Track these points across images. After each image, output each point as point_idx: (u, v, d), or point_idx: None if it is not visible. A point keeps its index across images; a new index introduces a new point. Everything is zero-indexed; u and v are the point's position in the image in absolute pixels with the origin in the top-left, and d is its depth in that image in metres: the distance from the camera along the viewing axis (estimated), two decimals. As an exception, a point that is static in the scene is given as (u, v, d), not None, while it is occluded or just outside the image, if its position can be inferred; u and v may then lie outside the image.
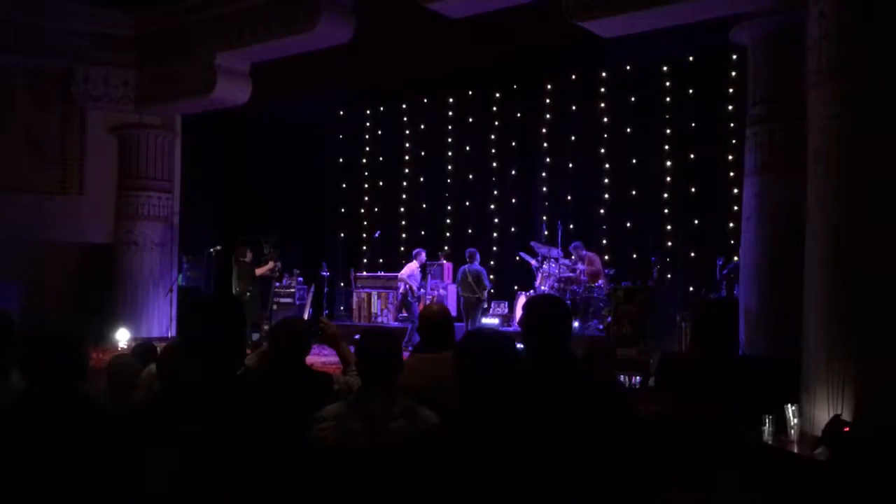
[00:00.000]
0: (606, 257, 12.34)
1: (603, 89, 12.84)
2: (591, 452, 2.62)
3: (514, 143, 13.88)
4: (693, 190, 11.92)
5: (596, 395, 2.85)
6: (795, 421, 4.65)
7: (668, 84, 12.18)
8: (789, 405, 4.68)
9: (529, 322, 2.92)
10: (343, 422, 3.00)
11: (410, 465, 2.80)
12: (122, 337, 10.56)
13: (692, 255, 11.90)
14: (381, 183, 15.43)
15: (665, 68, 12.14)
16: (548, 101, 13.46)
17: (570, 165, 13.21)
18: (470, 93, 14.21)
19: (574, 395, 2.75)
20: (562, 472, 2.59)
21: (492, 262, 14.06)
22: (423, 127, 14.89)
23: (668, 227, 12.18)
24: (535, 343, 2.89)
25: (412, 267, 12.17)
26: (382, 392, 3.05)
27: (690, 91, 11.94)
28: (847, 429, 4.29)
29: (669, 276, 11.70)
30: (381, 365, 3.09)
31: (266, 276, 11.94)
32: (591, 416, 2.70)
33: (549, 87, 13.41)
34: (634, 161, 12.52)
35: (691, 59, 11.84)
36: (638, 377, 8.38)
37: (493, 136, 14.08)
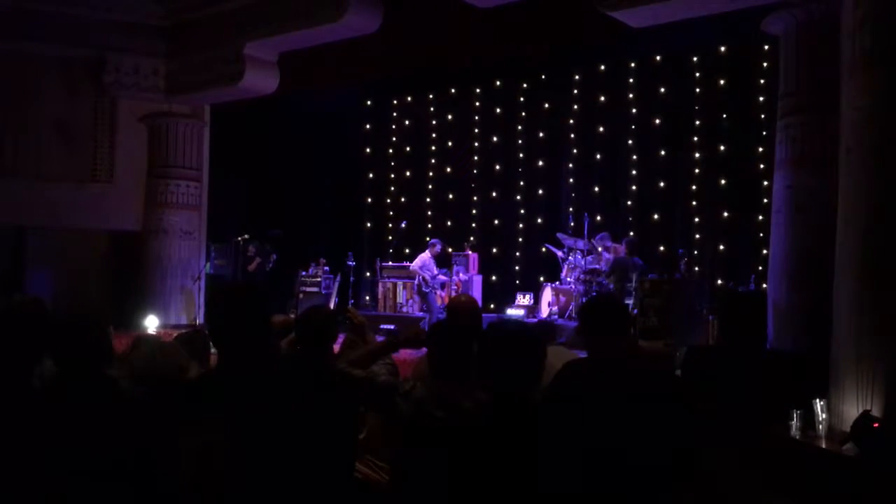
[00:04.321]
0: (633, 249, 12.25)
1: (632, 80, 12.73)
2: (650, 443, 2.65)
3: (541, 134, 13.82)
4: (722, 182, 11.80)
5: (655, 388, 2.89)
6: (824, 416, 4.59)
7: (698, 75, 12.06)
8: (818, 400, 4.61)
9: (589, 319, 3.02)
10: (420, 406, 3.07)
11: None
12: (151, 324, 10.69)
13: (720, 248, 11.80)
14: (407, 173, 15.44)
15: (695, 59, 12.02)
16: (576, 91, 13.37)
17: (598, 157, 13.13)
18: (497, 83, 14.17)
19: (634, 388, 2.79)
20: (620, 461, 2.63)
21: (518, 254, 14.05)
22: (450, 117, 14.87)
23: (696, 220, 12.08)
24: (594, 338, 2.98)
25: (424, 257, 12.07)
26: (456, 380, 3.10)
27: (721, 82, 11.81)
28: (877, 424, 4.23)
29: (697, 268, 11.61)
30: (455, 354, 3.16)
31: (256, 271, 12.63)
32: (649, 408, 2.74)
33: (577, 77, 13.33)
34: (663, 153, 12.43)
35: (722, 49, 11.72)
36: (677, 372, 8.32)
37: (520, 127, 14.03)
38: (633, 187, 12.73)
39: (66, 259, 11.53)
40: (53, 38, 11.29)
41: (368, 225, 15.67)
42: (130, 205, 12.10)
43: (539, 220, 13.77)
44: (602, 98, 13.05)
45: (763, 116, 11.04)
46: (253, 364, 2.88)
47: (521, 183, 14.03)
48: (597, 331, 3.00)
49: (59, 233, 11.60)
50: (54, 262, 11.47)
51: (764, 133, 10.93)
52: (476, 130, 14.53)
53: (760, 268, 10.39)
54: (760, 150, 11.10)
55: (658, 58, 12.33)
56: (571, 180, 13.42)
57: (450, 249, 13.73)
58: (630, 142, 12.75)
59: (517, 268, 14.01)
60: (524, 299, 12.65)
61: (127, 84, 11.81)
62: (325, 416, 3.07)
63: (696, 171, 12.09)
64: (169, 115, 12.11)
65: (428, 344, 3.32)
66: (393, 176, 15.60)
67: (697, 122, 12.07)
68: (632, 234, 11.78)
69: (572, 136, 13.41)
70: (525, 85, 13.90)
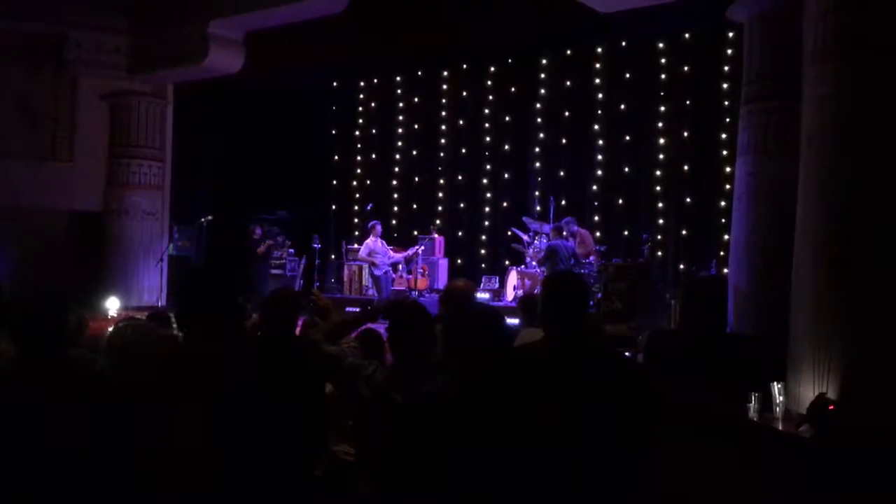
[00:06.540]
0: (598, 234, 12.37)
1: (598, 65, 12.80)
2: (607, 425, 2.67)
3: (507, 118, 13.84)
4: (686, 168, 11.94)
5: (613, 370, 2.90)
6: (781, 399, 4.67)
7: (663, 61, 12.16)
8: (775, 383, 4.70)
9: (549, 298, 2.99)
10: (382, 392, 3.08)
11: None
12: (112, 305, 10.53)
13: (684, 233, 11.95)
14: (373, 156, 15.38)
15: (661, 45, 12.11)
16: (542, 76, 13.41)
17: (564, 141, 13.19)
18: (464, 66, 14.15)
19: (592, 370, 2.80)
20: (579, 443, 2.65)
21: (483, 237, 14.09)
22: (416, 100, 14.83)
23: (660, 205, 12.21)
24: (554, 318, 2.96)
25: (368, 243, 11.93)
26: (416, 364, 3.09)
27: (686, 68, 11.92)
28: (832, 407, 4.33)
29: (660, 253, 11.75)
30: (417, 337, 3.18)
31: (265, 253, 12.54)
32: (608, 390, 2.75)
33: (544, 62, 13.36)
34: (628, 138, 12.53)
35: (688, 35, 11.81)
36: (627, 353, 8.42)
37: (486, 111, 14.04)
38: (599, 172, 12.82)
39: (25, 239, 11.29)
40: (15, 14, 10.99)
41: (334, 207, 15.60)
42: (91, 184, 11.88)
43: (505, 204, 13.82)
44: (568, 83, 13.10)
45: (727, 103, 11.16)
46: (223, 344, 2.86)
47: (488, 167, 14.05)
48: (559, 309, 2.98)
49: (18, 212, 11.36)
50: (12, 241, 11.24)
51: (727, 119, 11.06)
52: (442, 113, 14.51)
53: (722, 253, 10.54)
54: (724, 136, 11.24)
55: (624, 43, 12.40)
56: (537, 164, 13.48)
57: (415, 232, 13.72)
58: (596, 126, 12.83)
59: (483, 251, 14.05)
60: (490, 283, 12.69)
61: (88, 61, 11.55)
62: (295, 392, 3.08)
63: (661, 156, 12.21)
64: (131, 93, 11.87)
65: (388, 325, 3.33)
66: (359, 158, 15.53)
67: (662, 108, 12.18)
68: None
69: (539, 120, 13.46)
70: (492, 69, 13.90)
